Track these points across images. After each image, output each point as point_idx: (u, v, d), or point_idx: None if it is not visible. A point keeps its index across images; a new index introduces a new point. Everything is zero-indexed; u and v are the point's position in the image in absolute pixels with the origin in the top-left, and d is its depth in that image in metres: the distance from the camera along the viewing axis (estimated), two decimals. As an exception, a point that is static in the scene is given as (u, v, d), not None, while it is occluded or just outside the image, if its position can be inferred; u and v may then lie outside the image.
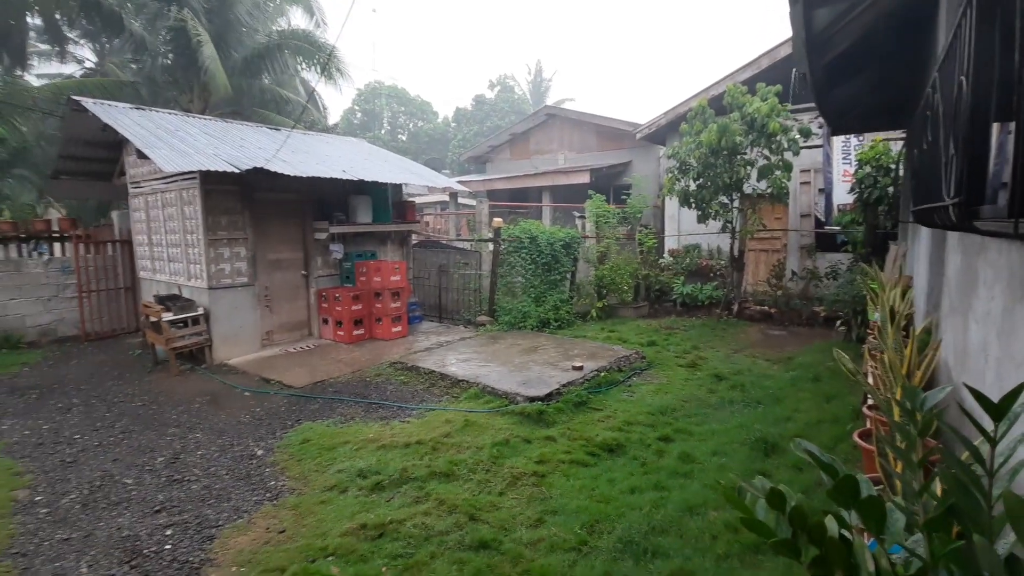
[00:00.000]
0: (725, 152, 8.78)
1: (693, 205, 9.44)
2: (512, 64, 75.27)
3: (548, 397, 5.39)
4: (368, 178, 7.87)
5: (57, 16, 14.98)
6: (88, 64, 18.95)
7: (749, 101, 8.74)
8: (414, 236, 10.18)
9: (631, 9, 77.23)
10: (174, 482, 4.02)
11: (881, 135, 8.23)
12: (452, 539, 3.19)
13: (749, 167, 8.94)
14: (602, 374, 6.18)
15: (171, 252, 7.71)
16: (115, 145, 8.40)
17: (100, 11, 13.42)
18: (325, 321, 8.19)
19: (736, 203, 9.47)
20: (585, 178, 14.25)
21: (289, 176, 6.80)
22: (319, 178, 7.16)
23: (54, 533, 3.41)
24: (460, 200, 18.04)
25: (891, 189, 7.67)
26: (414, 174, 9.85)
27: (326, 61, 14.90)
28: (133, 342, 8.36)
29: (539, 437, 4.61)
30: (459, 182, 12.90)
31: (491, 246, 9.34)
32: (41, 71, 19.01)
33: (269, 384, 6.22)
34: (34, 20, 16.12)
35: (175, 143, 6.82)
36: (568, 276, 9.76)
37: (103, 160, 9.07)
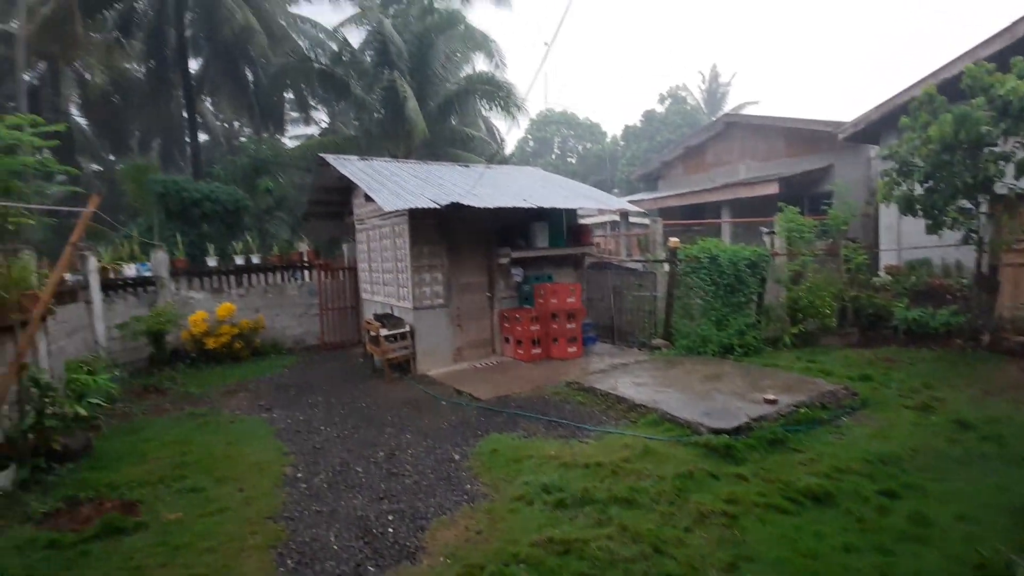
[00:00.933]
0: (964, 146, 7.22)
1: (920, 212, 7.91)
2: (683, 75, 72.27)
3: (736, 431, 5.01)
4: (546, 205, 8.34)
5: (303, 87, 19.04)
6: (323, 124, 23.60)
7: (1000, 80, 7.09)
8: (587, 258, 10.39)
9: (825, -6, 68.27)
10: (392, 475, 4.73)
11: None
12: (638, 569, 3.17)
13: (1002, 162, 7.21)
14: (801, 410, 5.52)
15: (385, 277, 9.13)
16: (345, 190, 10.32)
17: (334, 81, 16.71)
18: (506, 340, 8.81)
19: (983, 208, 7.69)
20: (772, 189, 12.99)
21: (477, 207, 7.57)
22: (503, 208, 7.83)
23: (311, 505, 4.27)
24: (631, 219, 17.85)
25: None
26: (588, 198, 10.11)
27: (509, 104, 16.36)
28: (356, 352, 10.04)
29: (727, 474, 4.32)
30: (630, 201, 12.80)
31: (667, 267, 9.06)
32: (292, 133, 24.38)
33: (461, 395, 6.92)
34: (287, 94, 20.79)
35: (391, 186, 8.12)
36: (754, 298, 8.93)
37: (337, 203, 11.18)
